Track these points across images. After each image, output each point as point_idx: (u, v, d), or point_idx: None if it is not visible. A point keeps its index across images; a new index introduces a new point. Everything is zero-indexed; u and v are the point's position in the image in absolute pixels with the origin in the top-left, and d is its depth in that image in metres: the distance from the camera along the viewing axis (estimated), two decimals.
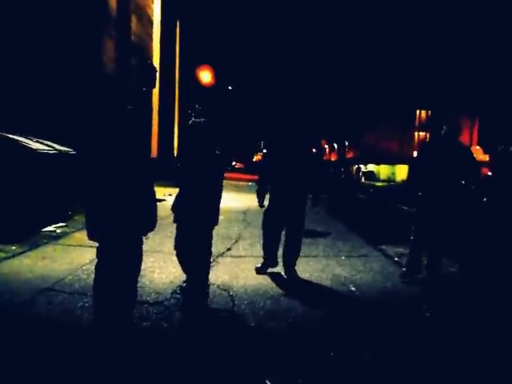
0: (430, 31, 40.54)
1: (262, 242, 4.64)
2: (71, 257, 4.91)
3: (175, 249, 3.76)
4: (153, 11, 18.37)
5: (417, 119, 48.89)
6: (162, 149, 20.04)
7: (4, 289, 3.66)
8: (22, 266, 4.35)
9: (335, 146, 66.15)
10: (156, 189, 11.89)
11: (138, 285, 3.95)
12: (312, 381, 2.48)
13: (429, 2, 38.22)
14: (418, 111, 48.59)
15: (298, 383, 2.42)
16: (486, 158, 43.51)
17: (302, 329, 3.20)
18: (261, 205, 4.58)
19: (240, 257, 5.34)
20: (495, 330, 3.31)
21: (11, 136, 6.09)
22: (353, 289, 4.18)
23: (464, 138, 46.64)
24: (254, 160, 53.68)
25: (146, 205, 3.05)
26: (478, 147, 45.80)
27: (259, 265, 4.60)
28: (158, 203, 10.09)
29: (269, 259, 4.55)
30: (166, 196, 12.43)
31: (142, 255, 3.17)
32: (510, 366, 2.73)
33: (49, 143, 6.98)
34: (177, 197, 3.82)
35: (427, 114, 48.68)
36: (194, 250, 3.63)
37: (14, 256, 4.70)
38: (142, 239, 3.15)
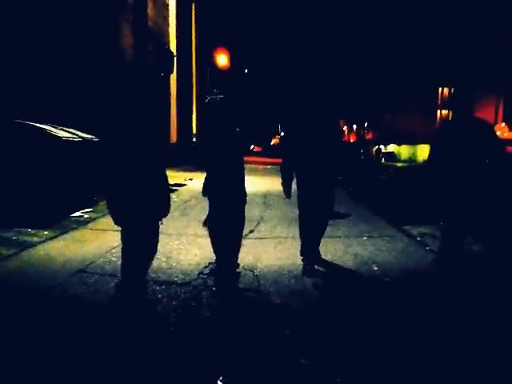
0: (451, 7, 39.09)
1: (300, 237, 4.32)
2: (100, 240, 5.11)
3: (208, 229, 3.86)
4: None
5: (439, 97, 47.60)
6: (181, 134, 20.19)
7: (41, 271, 3.86)
8: (56, 250, 4.57)
9: (354, 126, 65.22)
10: (177, 174, 12.13)
11: (166, 266, 4.14)
12: (336, 356, 2.57)
13: None
14: (440, 89, 47.27)
15: (327, 360, 2.52)
16: None
17: (326, 307, 3.29)
18: (288, 195, 4.25)
19: (262, 238, 5.44)
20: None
21: (37, 124, 6.27)
22: (375, 268, 4.24)
23: (489, 116, 45.24)
24: (272, 143, 53.40)
25: (160, 191, 3.19)
26: (503, 124, 44.48)
27: (307, 267, 4.13)
28: (179, 188, 10.27)
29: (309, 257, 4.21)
30: (187, 180, 12.62)
31: (158, 238, 3.43)
32: None
33: (72, 130, 7.15)
34: (206, 179, 3.87)
35: (450, 91, 47.33)
36: (228, 229, 3.74)
37: (47, 240, 4.92)
38: (158, 223, 3.29)
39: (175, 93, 19.24)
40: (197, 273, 4.00)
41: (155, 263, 4.21)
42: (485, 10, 39.03)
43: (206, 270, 4.07)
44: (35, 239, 4.90)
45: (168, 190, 3.50)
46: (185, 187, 11.12)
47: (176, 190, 10.37)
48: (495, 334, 2.87)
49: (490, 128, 4.24)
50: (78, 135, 7.02)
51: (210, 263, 4.28)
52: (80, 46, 10.10)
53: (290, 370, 2.37)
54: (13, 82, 7.91)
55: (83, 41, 10.21)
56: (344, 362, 2.48)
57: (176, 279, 3.80)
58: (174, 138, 18.87)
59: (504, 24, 37.64)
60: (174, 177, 12.85)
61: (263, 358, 2.49)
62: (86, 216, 6.42)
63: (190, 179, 13.07)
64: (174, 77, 18.42)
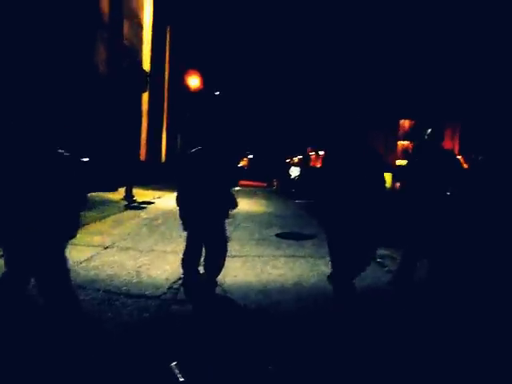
0: (412, 41, 41.49)
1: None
2: (67, 254, 5.05)
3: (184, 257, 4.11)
4: (144, 16, 18.57)
5: (400, 128, 49.94)
6: (150, 152, 20.14)
7: None
8: None
9: (320, 153, 66.91)
10: (145, 192, 12.14)
11: (136, 280, 4.19)
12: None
13: (411, 13, 39.10)
14: (401, 120, 49.65)
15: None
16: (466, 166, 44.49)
17: (293, 318, 3.45)
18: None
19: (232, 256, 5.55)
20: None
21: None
22: None
23: (446, 148, 47.75)
24: (240, 165, 53.88)
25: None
26: (459, 156, 46.99)
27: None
28: (147, 206, 10.24)
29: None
30: (155, 198, 12.60)
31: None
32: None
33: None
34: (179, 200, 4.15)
35: (410, 123, 49.78)
36: (210, 248, 4.01)
37: None
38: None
39: (146, 111, 19.29)
40: (167, 287, 4.07)
41: (126, 277, 4.28)
42: (442, 44, 41.70)
43: (176, 285, 4.15)
44: None
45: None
46: (153, 205, 11.10)
47: (145, 207, 10.36)
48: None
49: (456, 159, 4.51)
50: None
51: (180, 278, 4.37)
52: (55, 62, 10.08)
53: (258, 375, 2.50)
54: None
55: (59, 57, 10.20)
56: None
57: (146, 293, 3.86)
58: (143, 156, 18.81)
59: (461, 57, 40.30)
60: (142, 195, 12.81)
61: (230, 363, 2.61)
62: None
63: (159, 197, 13.05)
64: (145, 95, 18.50)
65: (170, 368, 2.42)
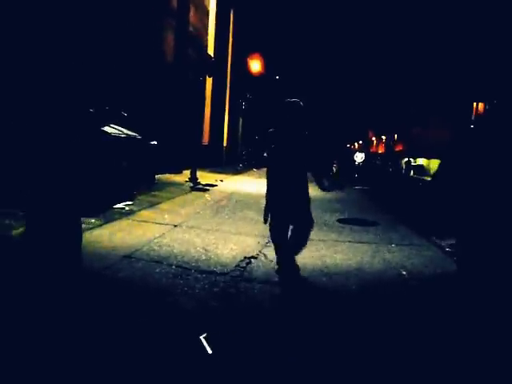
0: (487, 21, 38.32)
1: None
2: (142, 231, 5.46)
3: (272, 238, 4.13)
4: (209, 1, 18.85)
5: (474, 112, 46.62)
6: (212, 136, 20.66)
7: (92, 254, 4.21)
8: (103, 237, 4.94)
9: (383, 138, 64.53)
10: (208, 175, 12.64)
11: (204, 257, 4.42)
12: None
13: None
14: (475, 103, 46.31)
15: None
16: None
17: (355, 303, 3.49)
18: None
19: None
20: None
21: None
22: (403, 273, 4.40)
23: None
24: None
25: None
26: None
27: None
28: (211, 188, 10.69)
29: None
30: (218, 181, 12.98)
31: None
32: None
33: (118, 127, 7.58)
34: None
35: (485, 106, 46.28)
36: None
37: (95, 227, 5.32)
38: None
39: (210, 96, 19.74)
40: (234, 265, 4.26)
41: (195, 254, 4.54)
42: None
43: (242, 264, 4.33)
44: (84, 226, 5.26)
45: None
46: (216, 187, 11.47)
47: (208, 189, 10.73)
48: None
49: None
50: (123, 132, 7.45)
51: (245, 257, 4.55)
52: (127, 50, 10.63)
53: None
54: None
55: (130, 45, 10.73)
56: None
57: (215, 269, 4.08)
58: (206, 139, 19.35)
59: None
60: (206, 177, 13.26)
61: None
62: (127, 208, 6.82)
63: (221, 180, 13.44)
64: (209, 81, 18.91)
65: (200, 340, 2.59)
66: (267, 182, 4.08)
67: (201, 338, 2.59)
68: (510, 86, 36.41)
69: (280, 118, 3.89)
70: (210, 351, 2.47)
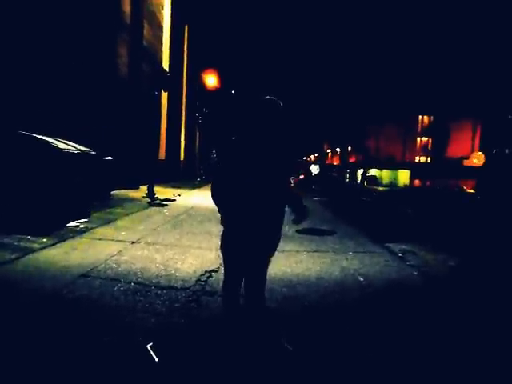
0: (431, 36, 40.94)
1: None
2: (98, 249, 5.28)
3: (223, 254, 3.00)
4: (163, 16, 18.83)
5: (419, 125, 49.31)
6: (169, 151, 20.44)
7: (46, 274, 4.03)
8: (57, 256, 4.73)
9: (337, 150, 66.64)
10: (166, 190, 12.50)
11: (165, 273, 4.36)
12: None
13: (430, 6, 38.70)
14: (420, 117, 49.01)
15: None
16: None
17: (316, 310, 3.56)
18: None
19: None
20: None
21: (39, 136, 6.47)
22: (361, 279, 4.55)
23: (466, 145, 47.06)
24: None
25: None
26: (479, 153, 46.19)
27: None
28: (169, 203, 10.55)
29: None
30: (176, 196, 12.83)
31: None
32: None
33: (71, 143, 7.36)
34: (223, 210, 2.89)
35: (429, 119, 49.10)
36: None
37: (46, 247, 5.07)
38: None
39: (165, 110, 19.58)
40: (194, 280, 4.23)
41: (155, 271, 4.45)
42: (461, 39, 41.02)
43: (203, 278, 4.30)
44: (35, 245, 5.05)
45: None
46: (175, 202, 11.34)
47: (166, 204, 10.58)
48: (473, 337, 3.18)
49: None
50: (75, 147, 7.22)
51: (206, 271, 4.53)
52: (79, 64, 10.38)
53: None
54: (16, 95, 8.13)
55: (82, 59, 10.50)
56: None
57: (176, 285, 4.02)
58: (162, 154, 19.11)
59: (479, 52, 39.60)
60: (163, 192, 13.07)
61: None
62: (81, 226, 6.58)
63: (179, 195, 13.30)
64: (164, 95, 18.78)
65: (147, 348, 2.59)
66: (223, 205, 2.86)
67: (147, 346, 2.58)
68: (450, 101, 38.74)
69: (248, 122, 2.99)
70: (156, 359, 2.47)
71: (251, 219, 2.77)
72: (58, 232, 5.94)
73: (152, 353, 2.55)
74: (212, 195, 2.82)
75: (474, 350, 2.96)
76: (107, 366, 2.44)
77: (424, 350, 2.92)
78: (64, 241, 5.52)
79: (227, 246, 2.91)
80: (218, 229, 7.26)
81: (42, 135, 6.70)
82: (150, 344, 2.64)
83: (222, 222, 2.88)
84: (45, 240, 5.37)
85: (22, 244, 5.04)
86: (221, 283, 4.09)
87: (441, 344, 3.02)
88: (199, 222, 8.09)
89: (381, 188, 35.89)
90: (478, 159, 45.60)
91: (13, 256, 4.50)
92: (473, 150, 46.76)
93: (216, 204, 2.85)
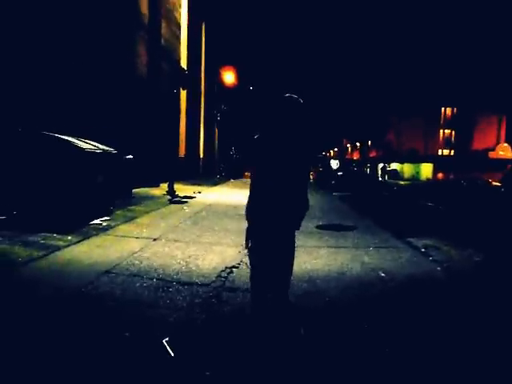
0: (454, 27, 39.92)
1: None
2: (121, 246, 5.39)
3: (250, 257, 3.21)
4: (180, 15, 18.95)
5: (442, 117, 48.20)
6: (189, 148, 20.61)
7: (71, 270, 4.14)
8: (82, 253, 4.85)
9: (357, 144, 65.83)
10: (185, 187, 12.63)
11: (186, 269, 4.41)
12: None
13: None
14: (442, 109, 47.90)
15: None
16: None
17: (336, 306, 3.55)
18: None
19: None
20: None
21: (62, 136, 6.63)
22: (382, 275, 4.50)
23: (491, 136, 45.76)
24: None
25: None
26: (505, 144, 44.86)
27: None
28: (189, 200, 10.66)
29: None
30: (196, 193, 12.94)
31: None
32: None
33: (93, 143, 7.50)
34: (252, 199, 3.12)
35: (452, 111, 47.94)
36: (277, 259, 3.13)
37: (72, 244, 5.21)
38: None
39: (184, 108, 19.74)
40: (215, 276, 4.27)
41: (176, 267, 4.51)
42: (486, 32, 39.88)
43: (223, 274, 4.34)
44: (61, 243, 5.19)
45: None
46: (195, 199, 11.44)
47: (186, 202, 10.69)
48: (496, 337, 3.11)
49: None
50: (98, 147, 7.37)
51: (226, 267, 4.56)
52: (99, 64, 10.57)
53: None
54: (38, 97, 8.36)
55: (102, 59, 10.68)
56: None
57: (197, 281, 4.07)
58: (182, 152, 19.29)
59: (504, 45, 38.40)
60: (183, 190, 13.20)
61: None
62: (104, 224, 6.72)
63: (199, 192, 13.42)
64: (183, 93, 18.94)
65: (163, 343, 2.62)
66: (253, 197, 3.11)
67: (163, 341, 2.62)
68: (474, 92, 37.75)
69: (271, 120, 3.15)
70: (172, 354, 2.53)
71: (273, 215, 3.02)
72: (82, 230, 6.09)
73: (168, 348, 2.59)
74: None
75: (500, 350, 2.90)
76: (128, 361, 2.50)
77: (445, 347, 2.87)
78: (88, 238, 5.65)
79: (253, 240, 3.11)
80: (238, 225, 7.36)
81: (65, 135, 6.86)
82: (166, 339, 2.68)
83: (247, 218, 3.13)
84: (69, 238, 5.50)
85: (48, 242, 5.19)
86: (241, 279, 4.15)
87: (463, 342, 2.97)
88: (219, 219, 8.14)
89: (402, 182, 35.31)
90: (504, 151, 44.34)
91: (40, 253, 4.63)
92: (498, 142, 45.47)
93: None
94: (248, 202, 3.14)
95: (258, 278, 3.14)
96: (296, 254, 3.36)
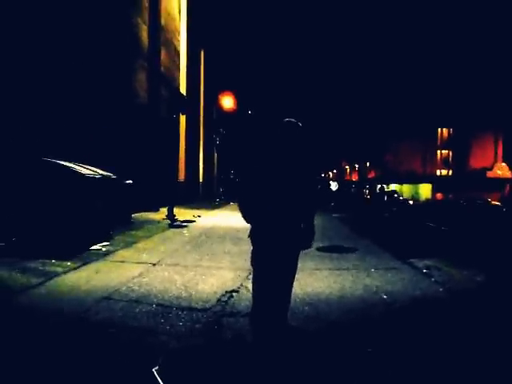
0: (449, 49, 40.81)
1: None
2: (120, 271, 5.34)
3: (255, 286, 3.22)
4: (179, 42, 19.39)
5: (438, 137, 48.68)
6: (188, 173, 20.70)
7: (69, 298, 4.09)
8: (80, 279, 4.81)
9: (356, 166, 66.23)
10: (185, 211, 12.59)
11: (185, 295, 4.36)
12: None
13: (449, 18, 38.66)
14: (439, 129, 48.43)
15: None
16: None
17: (338, 329, 3.49)
18: None
19: None
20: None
21: (61, 162, 6.67)
22: (384, 296, 4.45)
23: (488, 155, 46.08)
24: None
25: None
26: (503, 164, 45.13)
27: None
28: (189, 224, 10.63)
29: None
30: (196, 217, 12.92)
31: None
32: None
33: (93, 168, 7.55)
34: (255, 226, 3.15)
35: (449, 132, 48.45)
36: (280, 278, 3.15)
37: (70, 270, 5.17)
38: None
39: (184, 132, 19.94)
40: (215, 300, 4.22)
41: (175, 292, 4.47)
42: (480, 51, 40.70)
43: (224, 298, 4.29)
44: (59, 269, 5.15)
45: None
46: (194, 223, 11.42)
47: (186, 226, 10.66)
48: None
49: None
50: (97, 172, 7.41)
51: (226, 292, 4.51)
52: (99, 92, 10.74)
53: None
54: (38, 123, 8.46)
55: (101, 86, 10.87)
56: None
57: (196, 306, 4.02)
58: (181, 176, 19.37)
59: (499, 64, 39.12)
60: (183, 214, 13.18)
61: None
62: (103, 249, 6.68)
63: (199, 216, 13.40)
64: (183, 118, 19.19)
65: (153, 372, 2.56)
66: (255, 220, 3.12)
67: (153, 370, 2.56)
68: (469, 112, 38.20)
69: (270, 145, 3.20)
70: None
71: (277, 237, 3.05)
72: (82, 255, 6.05)
73: (158, 378, 2.52)
74: (242, 215, 3.15)
75: (504, 375, 2.84)
76: None
77: (450, 372, 2.81)
78: (87, 264, 5.61)
79: (257, 262, 3.15)
80: (238, 248, 7.31)
81: (65, 161, 6.91)
82: (156, 368, 2.61)
83: (252, 240, 3.15)
84: (69, 263, 5.46)
85: (46, 268, 5.15)
86: (242, 303, 4.10)
87: (467, 367, 2.91)
88: (219, 243, 8.10)
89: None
90: (501, 170, 44.56)
91: (38, 280, 4.59)
92: (496, 161, 45.74)
93: (248, 222, 3.15)
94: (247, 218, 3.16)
95: (260, 300, 3.13)
96: (296, 276, 3.34)
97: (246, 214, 3.13)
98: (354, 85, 53.26)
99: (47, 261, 5.45)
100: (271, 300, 3.12)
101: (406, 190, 47.14)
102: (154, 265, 5.82)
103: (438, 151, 49.06)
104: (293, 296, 4.21)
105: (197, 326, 3.50)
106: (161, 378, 2.52)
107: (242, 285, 4.82)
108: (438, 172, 49.00)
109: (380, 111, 48.32)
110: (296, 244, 3.16)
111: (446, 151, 48.93)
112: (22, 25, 8.26)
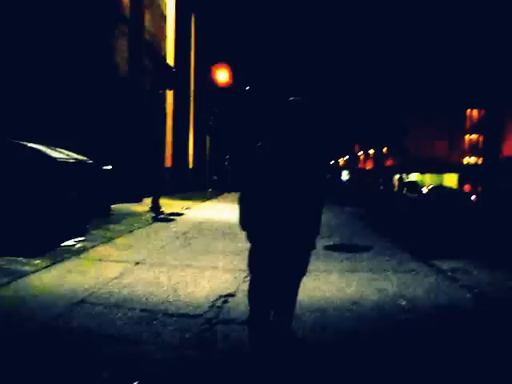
0: (477, 25, 40.59)
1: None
2: (97, 271, 5.35)
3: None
4: (166, 6, 19.19)
5: (467, 120, 48.56)
6: (175, 158, 20.65)
7: (38, 301, 4.09)
8: (52, 280, 4.81)
9: (370, 152, 66.08)
10: (173, 202, 12.65)
11: (173, 298, 4.37)
12: None
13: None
14: (468, 110, 48.30)
15: None
16: None
17: (350, 341, 3.50)
18: None
19: None
20: None
21: (30, 144, 6.62)
22: (403, 303, 4.46)
23: None
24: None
25: None
26: None
27: None
28: (177, 217, 10.68)
29: None
30: (184, 209, 12.93)
31: None
32: None
33: (65, 151, 7.51)
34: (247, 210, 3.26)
35: (479, 113, 48.32)
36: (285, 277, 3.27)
37: (40, 269, 5.17)
38: None
39: (171, 111, 19.85)
40: (208, 305, 4.22)
41: (162, 295, 4.47)
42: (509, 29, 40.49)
43: (218, 303, 4.30)
44: (28, 268, 5.15)
45: None
46: (183, 216, 11.43)
47: (173, 219, 10.67)
48: None
49: None
50: (71, 156, 7.37)
51: (220, 296, 4.52)
52: (72, 61, 10.65)
53: None
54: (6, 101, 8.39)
55: (76, 55, 10.77)
56: None
57: (187, 311, 4.02)
58: (168, 162, 19.33)
59: None
60: (170, 205, 13.18)
61: None
62: (78, 245, 6.68)
63: (188, 208, 13.41)
64: (170, 94, 19.07)
65: None
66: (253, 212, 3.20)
67: None
68: (503, 90, 38.18)
69: (275, 126, 3.23)
70: None
71: (283, 234, 3.08)
72: (53, 252, 6.04)
73: None
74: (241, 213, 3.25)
75: None
76: None
77: None
78: (59, 262, 5.61)
79: (256, 263, 3.21)
80: (234, 246, 7.34)
81: (33, 143, 6.86)
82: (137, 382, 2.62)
83: (250, 238, 3.23)
84: (38, 262, 5.46)
85: (12, 267, 5.14)
86: (238, 309, 4.11)
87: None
88: (211, 239, 8.11)
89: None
90: None
91: (2, 281, 4.58)
92: None
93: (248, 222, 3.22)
94: (244, 217, 3.25)
95: (260, 307, 3.18)
96: (303, 279, 3.35)
97: (246, 213, 3.23)
98: (370, 55, 52.98)
99: (13, 258, 5.45)
100: (273, 306, 3.16)
101: (428, 180, 47.18)
102: (137, 264, 5.83)
103: (466, 136, 49.00)
104: (298, 302, 4.23)
105: (186, 335, 3.50)
106: None
107: (238, 288, 4.82)
108: (465, 160, 49.02)
109: (400, 87, 48.10)
110: (305, 242, 3.23)
111: (476, 136, 48.87)
112: None
